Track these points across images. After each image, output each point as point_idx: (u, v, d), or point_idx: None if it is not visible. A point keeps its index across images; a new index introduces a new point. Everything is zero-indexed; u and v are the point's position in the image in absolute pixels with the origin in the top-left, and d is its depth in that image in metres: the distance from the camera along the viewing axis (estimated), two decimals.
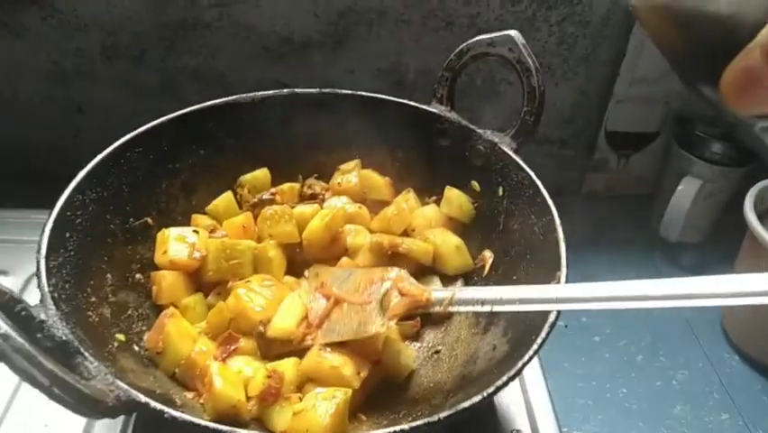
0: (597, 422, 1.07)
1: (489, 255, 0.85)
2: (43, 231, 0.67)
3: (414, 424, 0.53)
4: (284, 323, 0.74)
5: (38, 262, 0.63)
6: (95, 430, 0.76)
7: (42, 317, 0.56)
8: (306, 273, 0.85)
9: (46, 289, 0.61)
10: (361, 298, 0.75)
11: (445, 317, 0.84)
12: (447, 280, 0.87)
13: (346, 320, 0.73)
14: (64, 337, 0.56)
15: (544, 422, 0.81)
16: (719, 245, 1.37)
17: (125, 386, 0.53)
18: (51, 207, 0.71)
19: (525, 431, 0.79)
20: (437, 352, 0.81)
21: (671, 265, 1.38)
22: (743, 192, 1.27)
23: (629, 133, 1.43)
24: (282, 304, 0.76)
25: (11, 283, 0.96)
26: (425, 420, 0.53)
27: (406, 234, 0.90)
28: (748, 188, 1.23)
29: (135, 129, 0.84)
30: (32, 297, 0.61)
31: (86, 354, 0.55)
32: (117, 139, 0.82)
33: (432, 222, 0.90)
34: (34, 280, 0.94)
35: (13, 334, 0.43)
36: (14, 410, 0.78)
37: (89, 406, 0.48)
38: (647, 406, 1.10)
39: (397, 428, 0.53)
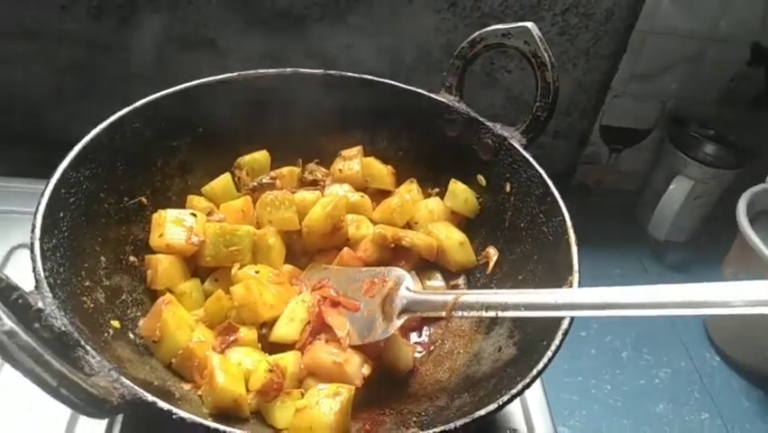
0: (582, 418, 1.08)
1: (493, 252, 0.84)
2: (37, 210, 0.63)
3: (431, 432, 0.51)
4: (287, 329, 0.72)
5: (32, 245, 0.59)
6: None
7: (40, 305, 0.53)
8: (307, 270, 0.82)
9: (42, 274, 0.57)
10: (362, 301, 0.73)
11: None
12: (449, 275, 0.86)
13: (350, 325, 0.71)
14: (63, 328, 0.52)
15: (539, 422, 0.81)
16: (705, 245, 1.39)
17: (130, 384, 0.50)
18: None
19: (521, 430, 0.79)
20: (438, 347, 0.80)
21: (657, 263, 1.39)
22: (731, 194, 1.28)
23: (623, 129, 1.42)
24: (286, 309, 0.73)
25: None
26: (442, 428, 0.52)
27: (408, 226, 0.88)
28: (737, 190, 1.24)
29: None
30: (14, 270, 0.57)
31: (87, 346, 0.52)
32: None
33: (435, 215, 0.88)
34: (17, 252, 0.91)
35: (20, 331, 0.40)
36: None
37: (95, 406, 0.45)
38: (631, 403, 1.11)
39: None
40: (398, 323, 0.70)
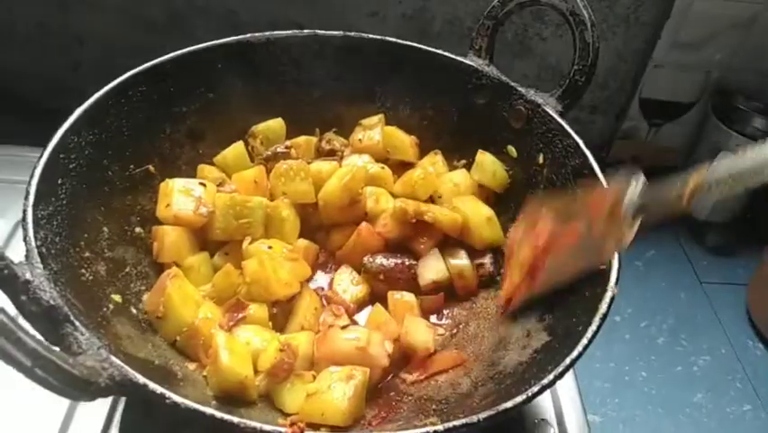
0: (614, 406, 1.01)
1: None
2: (32, 176, 0.59)
3: (451, 425, 0.46)
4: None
5: (24, 212, 0.56)
6: None
7: (28, 276, 0.49)
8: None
9: (33, 243, 0.53)
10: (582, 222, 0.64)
11: (471, 294, 0.77)
12: (474, 253, 0.80)
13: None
14: (52, 301, 0.48)
15: (570, 412, 0.75)
16: (748, 227, 1.30)
17: (120, 363, 0.46)
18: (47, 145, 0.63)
19: (551, 421, 0.73)
20: (461, 330, 0.74)
21: (696, 244, 1.31)
22: None
23: (664, 102, 1.33)
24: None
25: (1, 226, 0.88)
26: (464, 421, 0.46)
27: (431, 200, 0.82)
28: None
29: (139, 65, 0.75)
30: (21, 243, 0.54)
31: (77, 322, 0.48)
32: (120, 74, 0.73)
33: (461, 189, 0.82)
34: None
35: None
36: None
37: (78, 388, 0.41)
38: (666, 392, 1.04)
39: (432, 429, 0.46)
40: (635, 227, 0.60)
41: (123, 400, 0.67)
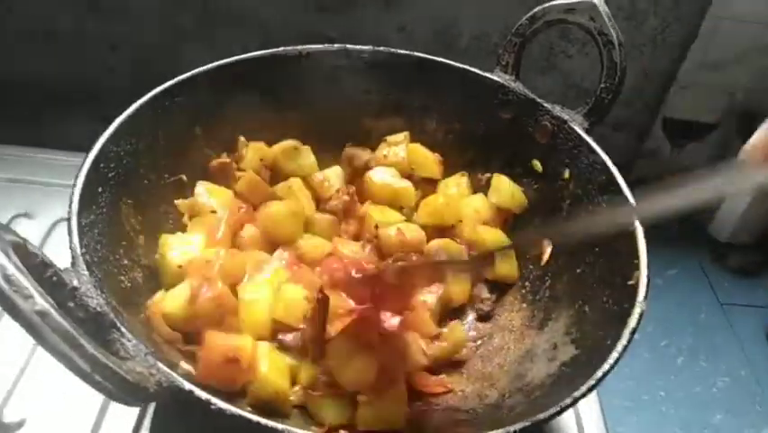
0: (632, 425, 1.02)
1: (548, 244, 0.78)
2: (75, 184, 0.61)
3: None
4: None
5: (69, 220, 0.57)
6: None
7: (75, 283, 0.50)
8: None
9: (78, 250, 0.55)
10: None
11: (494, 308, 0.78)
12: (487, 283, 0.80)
13: None
14: (99, 308, 0.50)
15: (592, 430, 0.75)
16: None
17: (168, 370, 0.47)
18: (81, 147, 0.64)
19: None
20: (486, 342, 0.75)
21: (717, 265, 1.31)
22: None
23: (688, 122, 1.34)
24: None
25: (35, 227, 0.90)
26: (500, 431, 0.47)
27: (452, 226, 0.81)
28: None
29: (170, 72, 0.77)
30: (56, 244, 0.55)
31: (123, 328, 0.49)
32: (151, 81, 0.75)
33: (482, 214, 0.81)
34: (59, 226, 0.89)
35: (53, 311, 0.37)
36: (29, 376, 0.72)
37: (130, 393, 0.42)
38: (685, 412, 1.04)
39: None
40: None
41: (153, 403, 0.69)
